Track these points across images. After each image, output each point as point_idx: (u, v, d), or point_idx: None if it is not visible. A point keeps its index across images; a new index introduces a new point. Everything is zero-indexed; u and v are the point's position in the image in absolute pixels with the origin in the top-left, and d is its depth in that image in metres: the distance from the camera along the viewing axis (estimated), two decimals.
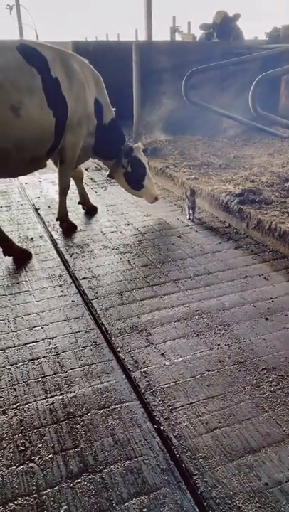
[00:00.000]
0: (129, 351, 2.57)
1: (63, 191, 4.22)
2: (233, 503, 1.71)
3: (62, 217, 4.28)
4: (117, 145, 4.40)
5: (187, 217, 4.57)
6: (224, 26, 8.72)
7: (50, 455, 1.92)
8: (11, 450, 1.94)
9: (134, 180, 4.50)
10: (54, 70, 3.57)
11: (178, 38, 14.91)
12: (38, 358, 2.52)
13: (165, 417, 2.10)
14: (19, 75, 3.32)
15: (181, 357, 2.51)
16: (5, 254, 3.69)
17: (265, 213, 4.08)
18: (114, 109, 4.30)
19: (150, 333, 2.73)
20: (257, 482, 1.79)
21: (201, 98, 6.80)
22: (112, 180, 5.96)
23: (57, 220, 4.31)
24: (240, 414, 2.12)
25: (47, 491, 1.76)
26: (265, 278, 3.37)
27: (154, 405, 2.17)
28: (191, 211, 4.52)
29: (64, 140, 3.83)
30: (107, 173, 4.64)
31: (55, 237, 4.19)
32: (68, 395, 2.25)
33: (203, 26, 9.12)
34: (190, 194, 4.51)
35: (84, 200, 4.79)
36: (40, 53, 3.53)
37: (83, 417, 2.11)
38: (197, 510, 1.69)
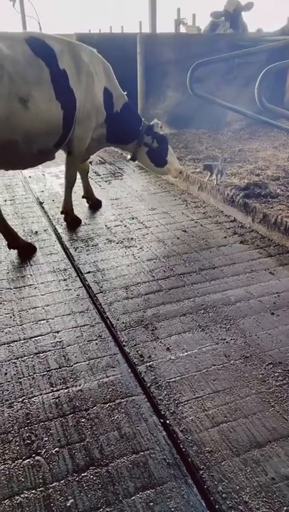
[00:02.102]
0: (135, 345, 2.57)
1: (69, 183, 4.21)
2: (239, 497, 1.70)
3: (68, 210, 4.27)
4: (135, 127, 4.35)
5: (216, 182, 4.69)
6: (237, 15, 8.50)
7: (56, 448, 1.92)
8: (17, 443, 1.94)
9: (159, 157, 4.44)
10: (62, 62, 3.56)
11: (182, 30, 14.77)
12: (43, 352, 2.52)
13: (171, 411, 2.10)
14: (28, 67, 3.32)
15: (186, 351, 2.50)
16: (10, 248, 3.69)
17: (271, 207, 4.05)
18: (125, 92, 4.25)
19: (155, 328, 2.73)
20: (263, 477, 1.78)
21: (206, 91, 6.75)
22: (116, 174, 5.95)
23: (62, 213, 4.30)
24: (247, 408, 2.11)
25: (53, 485, 1.76)
26: (270, 272, 3.35)
27: (160, 399, 2.17)
28: (219, 175, 4.65)
29: (72, 132, 3.82)
30: (129, 156, 4.57)
31: (60, 230, 4.18)
32: (74, 388, 2.25)
33: (214, 14, 8.80)
34: (222, 158, 4.79)
35: (88, 194, 4.77)
36: (49, 45, 3.52)
37: (89, 411, 2.11)
38: (204, 504, 1.68)
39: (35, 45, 3.42)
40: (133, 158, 4.54)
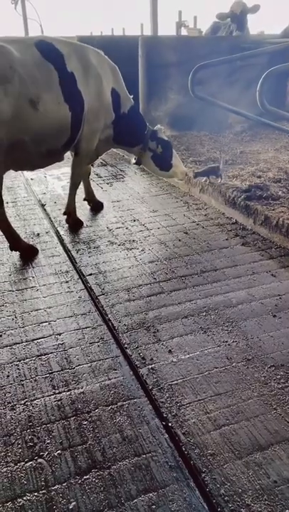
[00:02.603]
0: (137, 348, 2.57)
1: (74, 184, 4.24)
2: (241, 500, 1.70)
3: (71, 211, 4.28)
4: (141, 130, 4.39)
5: (219, 179, 4.82)
6: (244, 17, 8.46)
7: (59, 451, 1.92)
8: (19, 446, 1.94)
9: (164, 162, 4.47)
10: (70, 65, 3.61)
11: (184, 32, 14.80)
12: (45, 354, 2.52)
13: (173, 413, 2.10)
14: (37, 70, 3.38)
15: (188, 354, 2.50)
16: (12, 250, 3.70)
17: (273, 209, 4.05)
18: (131, 96, 4.28)
19: (157, 330, 2.73)
20: (266, 480, 1.78)
21: (208, 93, 6.75)
22: (118, 176, 5.96)
23: (64, 214, 4.31)
24: (249, 411, 2.11)
25: (56, 487, 1.76)
26: (272, 275, 3.35)
27: (162, 402, 2.17)
28: (220, 173, 4.81)
29: (80, 133, 3.85)
30: (134, 161, 4.61)
31: (62, 233, 4.19)
32: (76, 391, 2.25)
33: (219, 15, 8.70)
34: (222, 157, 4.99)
35: (89, 196, 4.79)
36: (57, 49, 3.57)
37: (91, 413, 2.11)
38: (206, 507, 1.68)
39: (44, 49, 3.48)
40: (138, 163, 4.57)
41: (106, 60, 4.02)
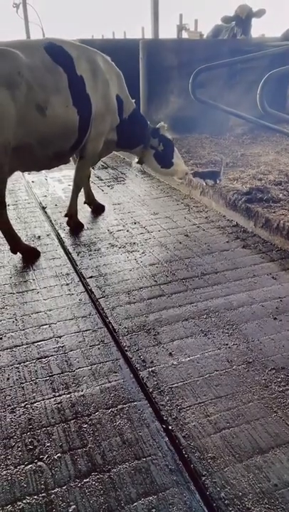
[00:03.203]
0: (137, 350, 2.56)
1: (77, 187, 4.26)
2: (242, 504, 1.70)
3: (72, 213, 4.29)
4: (143, 132, 4.42)
5: (218, 181, 4.88)
6: (248, 21, 8.46)
7: (59, 454, 1.92)
8: (19, 449, 1.94)
9: (165, 159, 4.50)
10: (79, 68, 3.63)
11: (185, 35, 14.84)
12: (45, 357, 2.52)
13: (173, 416, 2.09)
14: (46, 74, 3.39)
15: (189, 356, 2.50)
16: (13, 252, 3.71)
17: (273, 212, 4.05)
18: (133, 100, 4.33)
19: (158, 332, 2.72)
20: (266, 483, 1.77)
21: (209, 96, 6.76)
22: (119, 179, 5.96)
23: (65, 216, 4.32)
24: (249, 414, 2.10)
25: (55, 490, 1.76)
26: (273, 277, 3.35)
27: (162, 405, 2.16)
28: (220, 177, 4.87)
29: (88, 137, 3.88)
30: (136, 160, 4.66)
31: (62, 235, 4.19)
32: (76, 393, 2.24)
33: (224, 19, 8.69)
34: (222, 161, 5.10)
35: (90, 199, 4.79)
36: (66, 52, 3.59)
37: (91, 416, 2.10)
38: (206, 511, 1.68)
39: (54, 52, 3.49)
40: (140, 162, 4.60)
41: (112, 65, 4.06)
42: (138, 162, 4.63)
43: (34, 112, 3.32)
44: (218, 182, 4.84)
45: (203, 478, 1.79)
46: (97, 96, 3.79)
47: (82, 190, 4.73)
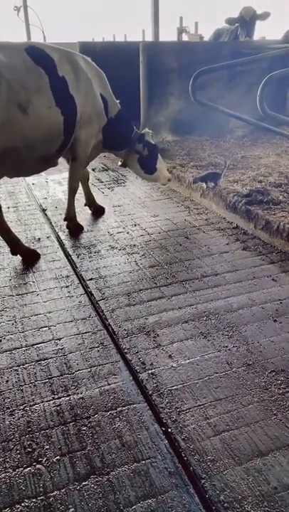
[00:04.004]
0: (137, 352, 2.56)
1: (73, 189, 4.26)
2: (241, 507, 1.69)
3: (71, 216, 4.29)
4: (127, 135, 4.47)
5: (219, 182, 4.84)
6: (252, 23, 8.46)
7: (57, 457, 1.91)
8: (18, 451, 1.93)
9: (149, 165, 4.57)
10: (61, 69, 3.62)
11: (185, 38, 14.88)
12: (45, 359, 2.52)
13: (173, 419, 2.09)
14: (27, 75, 3.37)
15: (188, 359, 2.49)
16: (13, 254, 3.71)
17: (273, 214, 4.05)
18: (118, 101, 4.34)
19: (157, 335, 2.72)
20: (266, 486, 1.76)
21: (209, 98, 6.78)
22: (119, 181, 5.97)
23: (65, 219, 4.32)
24: (249, 417, 2.09)
25: (54, 493, 1.75)
26: (273, 279, 3.34)
27: (162, 407, 2.15)
28: (220, 179, 4.86)
29: (75, 138, 3.88)
30: (120, 163, 4.71)
31: (62, 237, 4.19)
32: (75, 396, 2.24)
33: (228, 20, 8.67)
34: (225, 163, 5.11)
35: (90, 202, 4.80)
36: (48, 54, 3.58)
37: (90, 419, 2.10)
38: None
39: (35, 54, 3.48)
40: (124, 165, 4.66)
41: (93, 65, 4.06)
42: (121, 165, 4.69)
43: (16, 112, 3.29)
44: (218, 184, 4.84)
45: (203, 481, 1.79)
46: (81, 96, 3.79)
47: (82, 192, 4.74)
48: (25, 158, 3.54)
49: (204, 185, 4.91)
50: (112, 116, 4.26)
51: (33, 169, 3.89)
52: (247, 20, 8.37)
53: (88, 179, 4.74)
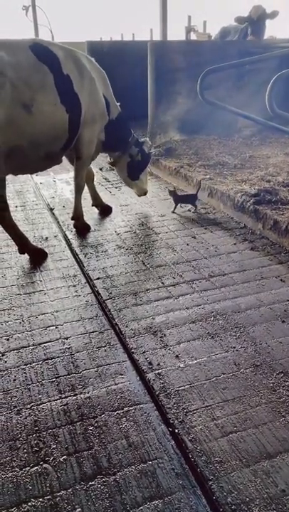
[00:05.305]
0: (144, 352, 2.55)
1: (79, 188, 4.28)
2: (249, 509, 1.67)
3: (78, 215, 4.30)
4: (125, 138, 4.53)
5: (195, 204, 4.79)
6: (260, 23, 8.38)
7: (64, 456, 1.91)
8: (25, 450, 1.94)
9: (135, 171, 4.69)
10: (66, 67, 3.63)
11: (193, 37, 14.83)
12: (52, 358, 2.52)
13: (180, 420, 2.08)
14: (31, 72, 3.37)
15: (196, 359, 2.48)
16: (20, 253, 3.72)
17: (282, 214, 4.02)
18: (118, 103, 4.37)
19: (164, 335, 2.71)
20: (274, 489, 1.75)
21: (217, 97, 6.74)
22: None
23: (72, 219, 4.32)
24: (257, 418, 2.08)
25: (61, 493, 1.75)
26: (281, 280, 3.32)
27: (169, 408, 2.15)
28: (196, 202, 4.79)
29: (79, 137, 3.89)
30: (109, 160, 4.80)
31: (70, 236, 4.20)
32: (82, 395, 2.24)
33: (237, 19, 8.59)
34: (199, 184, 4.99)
35: (97, 202, 4.80)
36: (52, 52, 3.59)
37: (97, 419, 2.09)
38: None
39: (39, 52, 3.48)
40: (113, 164, 4.77)
41: (96, 65, 4.08)
42: (110, 163, 4.79)
43: (21, 111, 3.29)
44: (196, 206, 4.74)
45: (210, 483, 1.77)
46: (85, 94, 3.80)
47: (88, 193, 4.74)
48: (30, 156, 3.55)
49: (178, 206, 4.81)
50: (113, 118, 4.29)
51: (38, 167, 3.91)
52: (254, 20, 8.32)
53: (93, 180, 4.74)
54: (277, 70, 5.75)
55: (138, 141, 4.57)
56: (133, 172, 4.69)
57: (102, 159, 5.72)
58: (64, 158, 4.14)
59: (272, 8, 8.39)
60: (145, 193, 4.88)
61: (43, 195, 5.46)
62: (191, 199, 4.77)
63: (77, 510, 1.69)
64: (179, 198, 4.78)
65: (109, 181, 6.00)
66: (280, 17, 8.53)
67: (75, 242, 4.07)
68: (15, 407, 2.18)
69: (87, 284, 3.34)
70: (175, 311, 2.95)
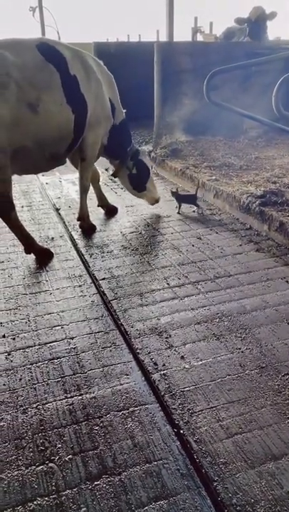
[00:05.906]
0: (149, 353, 2.55)
1: (84, 189, 4.29)
2: (254, 511, 1.67)
3: (84, 216, 4.31)
4: (125, 146, 4.52)
5: (196, 208, 4.77)
6: (258, 24, 8.33)
7: (70, 456, 1.92)
8: (30, 450, 1.95)
9: (138, 182, 4.63)
10: (72, 68, 3.63)
11: (200, 38, 14.81)
12: (57, 358, 2.53)
13: (185, 420, 2.08)
14: (38, 72, 3.38)
15: (201, 360, 2.48)
16: (26, 253, 3.73)
17: (288, 215, 4.01)
18: (124, 110, 4.35)
19: (170, 335, 2.71)
20: (279, 490, 1.75)
21: (223, 99, 6.74)
22: None
23: (78, 219, 4.34)
24: (262, 420, 2.08)
25: (66, 492, 1.76)
26: (287, 281, 3.31)
27: (174, 408, 2.15)
28: (197, 202, 4.76)
29: (84, 138, 3.89)
30: (110, 172, 4.80)
31: (76, 237, 4.21)
32: (88, 395, 2.24)
33: (237, 20, 8.61)
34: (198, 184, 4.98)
35: (103, 202, 4.81)
36: (59, 51, 3.59)
37: (102, 419, 2.10)
38: None
39: (46, 51, 3.48)
40: (114, 175, 4.73)
41: (105, 69, 4.09)
42: (112, 175, 4.76)
43: (26, 111, 3.30)
44: (198, 205, 4.73)
45: (215, 484, 1.78)
46: (91, 96, 3.80)
47: (94, 194, 4.76)
48: (35, 157, 3.57)
49: (180, 205, 4.82)
50: (117, 124, 4.29)
51: (43, 167, 3.93)
52: (252, 21, 8.29)
53: (99, 180, 4.76)
54: (284, 71, 5.75)
55: (135, 153, 4.50)
56: (137, 184, 4.63)
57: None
58: (66, 159, 4.15)
59: (281, 9, 8.36)
60: (157, 201, 4.78)
61: (49, 195, 5.48)
62: (191, 199, 4.77)
63: (83, 509, 1.69)
64: (180, 198, 4.80)
65: (114, 182, 6.00)
66: (285, 18, 8.51)
67: (80, 243, 4.08)
68: (21, 406, 2.19)
69: (92, 284, 3.35)
70: (180, 312, 2.95)
